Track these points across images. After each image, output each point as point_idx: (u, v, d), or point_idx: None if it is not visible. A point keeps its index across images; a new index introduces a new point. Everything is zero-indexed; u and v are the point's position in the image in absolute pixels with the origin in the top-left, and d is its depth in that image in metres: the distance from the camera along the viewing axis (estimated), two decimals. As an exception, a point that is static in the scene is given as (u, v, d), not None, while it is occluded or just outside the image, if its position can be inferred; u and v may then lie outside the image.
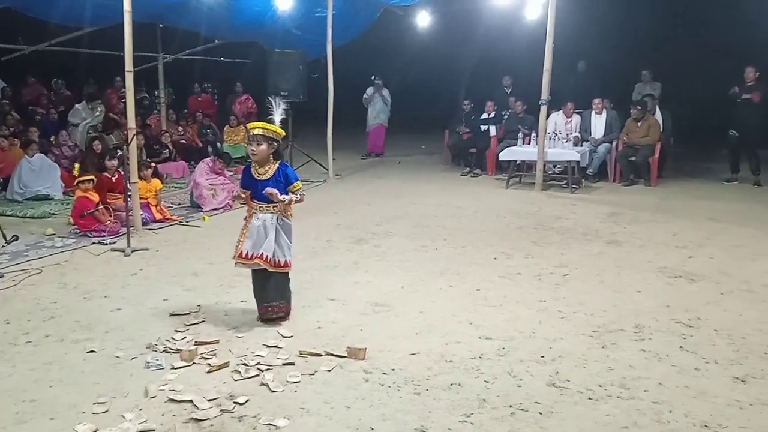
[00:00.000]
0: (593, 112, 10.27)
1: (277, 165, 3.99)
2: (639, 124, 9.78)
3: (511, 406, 3.06)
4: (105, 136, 9.67)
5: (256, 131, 3.93)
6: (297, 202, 4.01)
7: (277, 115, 4.08)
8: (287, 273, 4.07)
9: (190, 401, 3.03)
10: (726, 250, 5.94)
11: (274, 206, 3.94)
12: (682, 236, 6.48)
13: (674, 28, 13.74)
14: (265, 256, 3.92)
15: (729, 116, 9.68)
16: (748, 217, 7.37)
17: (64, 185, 8.40)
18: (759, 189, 9.34)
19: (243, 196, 4.06)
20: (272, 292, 4.03)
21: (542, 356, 3.63)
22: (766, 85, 9.35)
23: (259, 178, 3.97)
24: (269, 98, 4.26)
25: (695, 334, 3.97)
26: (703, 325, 4.12)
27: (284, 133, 4.05)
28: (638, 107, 9.87)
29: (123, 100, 9.85)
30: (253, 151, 3.95)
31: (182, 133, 11.62)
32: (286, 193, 3.95)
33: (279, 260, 3.97)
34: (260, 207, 3.97)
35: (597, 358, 3.62)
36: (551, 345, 3.80)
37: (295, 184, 3.99)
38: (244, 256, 3.97)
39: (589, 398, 3.14)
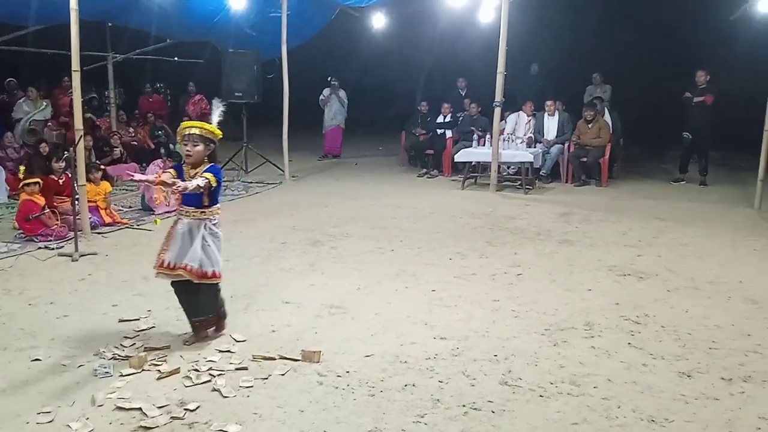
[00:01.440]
0: (546, 114, 10.45)
1: (206, 167, 3.69)
2: (590, 125, 9.99)
3: (464, 406, 3.08)
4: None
5: (192, 131, 3.66)
6: (191, 190, 3.51)
7: (216, 115, 3.87)
8: (216, 284, 3.78)
9: (139, 409, 2.97)
10: (673, 249, 6.12)
11: (201, 212, 3.66)
12: (631, 235, 6.64)
13: (624, 32, 14.08)
14: (189, 267, 3.61)
15: (682, 119, 9.96)
16: (694, 217, 7.60)
17: (9, 188, 8.14)
18: (704, 189, 9.64)
19: (169, 180, 3.51)
20: (200, 305, 3.75)
21: (495, 355, 3.67)
22: (717, 88, 9.65)
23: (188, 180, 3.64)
24: (212, 100, 4.11)
25: (643, 330, 4.08)
26: (651, 321, 4.23)
27: (221, 134, 3.80)
28: (589, 110, 10.08)
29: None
30: (188, 152, 3.67)
31: (133, 134, 11.37)
32: (201, 201, 3.64)
33: (206, 271, 3.66)
34: (186, 212, 3.68)
35: (548, 356, 3.68)
36: (504, 344, 3.84)
37: (207, 173, 3.61)
38: (165, 265, 3.66)
39: (541, 396, 3.19)
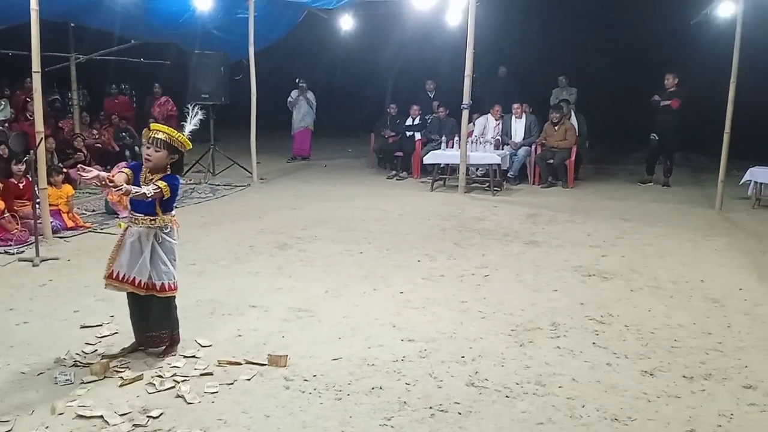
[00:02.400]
0: (513, 117, 10.55)
1: (164, 175, 3.45)
2: (556, 128, 10.12)
3: (431, 408, 3.09)
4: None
5: (159, 135, 3.41)
6: (136, 195, 3.29)
7: (190, 124, 3.64)
8: (170, 298, 3.58)
9: (101, 417, 2.91)
10: (636, 249, 6.23)
11: (151, 220, 3.45)
12: (597, 236, 6.74)
13: (589, 35, 14.29)
14: (137, 281, 3.44)
15: (649, 121, 10.14)
16: (657, 217, 7.75)
17: (-33, 192, 7.91)
18: (668, 190, 9.83)
19: (117, 181, 3.25)
20: (151, 319, 3.56)
21: (462, 357, 3.69)
22: (685, 91, 9.84)
23: (143, 185, 3.41)
24: (188, 105, 3.86)
25: (607, 330, 4.14)
26: (615, 321, 4.29)
27: (191, 146, 3.56)
28: (556, 112, 10.20)
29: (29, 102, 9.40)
30: (147, 156, 3.42)
31: (97, 136, 11.16)
32: (154, 209, 3.44)
33: (156, 284, 3.47)
34: (136, 219, 3.46)
35: (515, 356, 3.71)
36: (471, 345, 3.86)
37: (160, 181, 3.39)
38: (115, 276, 3.48)
39: (507, 396, 3.22)
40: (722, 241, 6.62)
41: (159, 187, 3.36)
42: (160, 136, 3.42)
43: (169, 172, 3.51)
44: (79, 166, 3.42)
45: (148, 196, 3.32)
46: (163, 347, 3.64)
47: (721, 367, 3.61)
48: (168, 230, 3.53)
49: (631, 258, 5.89)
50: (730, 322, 4.33)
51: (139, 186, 3.40)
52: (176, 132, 3.50)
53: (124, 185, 3.26)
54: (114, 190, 3.24)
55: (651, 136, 10.09)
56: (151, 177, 3.46)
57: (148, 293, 3.49)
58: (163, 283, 3.50)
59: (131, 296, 3.58)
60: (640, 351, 3.81)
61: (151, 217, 3.46)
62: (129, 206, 3.51)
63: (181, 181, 3.66)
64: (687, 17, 10.69)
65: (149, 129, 3.52)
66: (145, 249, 3.45)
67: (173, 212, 3.58)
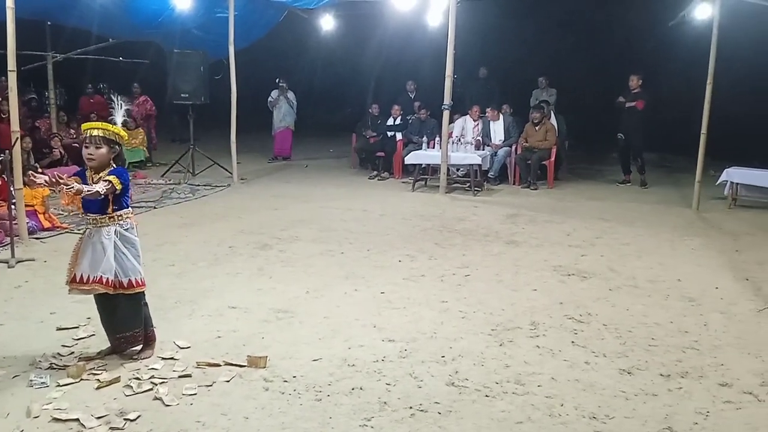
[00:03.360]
0: (490, 119, 10.58)
1: (110, 170, 3.42)
2: (537, 128, 10.18)
3: (411, 408, 3.09)
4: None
5: (95, 132, 3.38)
6: (88, 194, 3.24)
7: (119, 115, 3.63)
8: (138, 294, 3.53)
9: (77, 420, 2.88)
10: (614, 249, 6.29)
11: (109, 218, 3.41)
12: (576, 236, 6.80)
13: (568, 37, 14.42)
14: (104, 279, 3.38)
15: (617, 122, 10.25)
16: (635, 217, 7.83)
17: (-60, 192, 7.77)
18: (645, 190, 9.93)
19: (68, 185, 3.22)
20: (121, 319, 3.51)
21: (443, 356, 3.70)
22: (649, 92, 9.96)
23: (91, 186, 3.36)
24: (111, 97, 3.84)
25: (586, 329, 4.17)
26: (593, 320, 4.33)
27: (126, 136, 3.56)
28: (537, 112, 10.26)
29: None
30: (90, 155, 3.38)
31: (75, 135, 11.02)
32: (105, 206, 3.39)
33: (122, 281, 3.43)
34: (93, 219, 3.42)
35: (495, 355, 3.73)
36: (452, 345, 3.87)
37: (110, 175, 3.35)
38: (78, 280, 3.41)
39: (486, 396, 3.23)
40: (699, 240, 6.71)
41: (109, 182, 3.32)
42: (97, 133, 3.40)
43: (113, 167, 3.45)
44: (29, 172, 3.36)
45: (101, 192, 3.28)
46: (139, 347, 3.60)
47: (697, 365, 3.66)
48: (127, 226, 3.49)
49: (610, 257, 5.95)
50: (707, 320, 4.39)
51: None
52: (110, 125, 3.47)
53: (75, 184, 3.24)
54: (65, 189, 3.19)
55: (618, 135, 10.20)
56: (97, 177, 3.41)
57: (117, 292, 3.44)
58: (130, 279, 3.45)
59: (99, 299, 3.52)
60: (618, 350, 3.84)
61: (108, 215, 3.42)
62: (82, 208, 3.45)
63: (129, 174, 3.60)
64: (665, 19, 10.83)
65: (84, 128, 3.47)
66: (108, 248, 3.40)
67: (129, 208, 3.53)
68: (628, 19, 12.96)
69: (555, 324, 4.24)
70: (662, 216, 7.99)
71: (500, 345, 3.89)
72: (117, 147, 3.47)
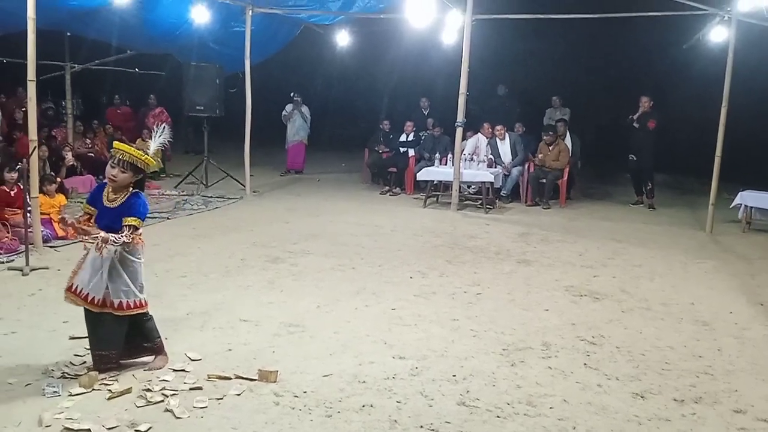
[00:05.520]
0: (497, 138, 10.56)
1: (129, 193, 3.45)
2: (551, 148, 10.18)
3: (422, 427, 3.07)
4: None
5: (124, 157, 3.38)
6: (115, 243, 3.30)
7: (155, 143, 3.59)
8: (125, 317, 3.49)
9: (88, 430, 2.88)
10: (627, 270, 6.25)
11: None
12: (588, 256, 6.76)
13: (582, 57, 14.44)
14: (91, 298, 3.41)
15: (628, 142, 10.23)
16: (647, 239, 7.79)
17: (-43, 199, 7.85)
18: (656, 212, 9.85)
19: (83, 221, 3.43)
20: (101, 337, 3.48)
21: (454, 375, 3.68)
22: (660, 113, 9.93)
23: (107, 205, 3.43)
24: (154, 126, 3.86)
25: (598, 351, 4.14)
26: (606, 342, 4.30)
27: (154, 164, 3.53)
28: (550, 132, 10.26)
29: (23, 109, 9.40)
30: (113, 176, 3.38)
31: (90, 145, 11.14)
32: (120, 225, 3.38)
33: (113, 301, 3.42)
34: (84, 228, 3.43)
35: (506, 376, 3.70)
36: (463, 364, 3.85)
37: (130, 218, 3.38)
38: (73, 290, 3.46)
39: (497, 416, 3.21)
40: (712, 263, 6.66)
41: (132, 227, 3.37)
42: (126, 158, 3.41)
43: (132, 190, 3.48)
44: (63, 216, 3.47)
45: (128, 242, 3.36)
46: (112, 367, 3.53)
47: (711, 390, 3.62)
48: (129, 248, 3.46)
49: (622, 279, 5.91)
50: (720, 345, 4.34)
51: (104, 205, 3.43)
52: (140, 152, 3.47)
53: (101, 234, 3.28)
54: (91, 239, 3.29)
55: (629, 157, 10.17)
56: (115, 196, 3.45)
57: (102, 310, 3.44)
58: (120, 301, 3.45)
59: (86, 312, 3.52)
60: (631, 373, 3.81)
61: (114, 234, 3.37)
62: (96, 223, 3.46)
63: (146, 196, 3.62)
64: (679, 41, 10.83)
65: (115, 148, 3.48)
66: (104, 265, 3.41)
67: (139, 230, 3.48)
68: (641, 40, 12.96)
69: (567, 345, 4.21)
70: (675, 238, 7.94)
71: (512, 365, 3.86)
72: (141, 174, 3.49)
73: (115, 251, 3.42)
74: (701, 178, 10.11)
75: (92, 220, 3.47)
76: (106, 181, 3.50)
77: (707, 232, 8.28)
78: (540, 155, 10.25)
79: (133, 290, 3.48)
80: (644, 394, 3.53)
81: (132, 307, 3.49)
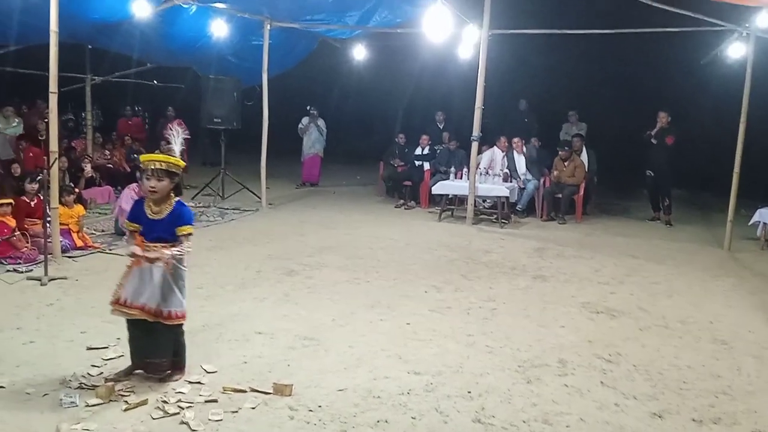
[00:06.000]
0: (514, 151, 10.55)
1: (173, 203, 3.53)
2: (566, 164, 10.15)
3: (437, 444, 3.05)
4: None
5: (156, 165, 3.43)
6: (178, 257, 3.48)
7: (177, 144, 3.67)
8: (176, 326, 3.59)
9: (104, 442, 2.89)
10: (644, 287, 6.19)
11: (162, 246, 3.46)
12: (604, 272, 6.71)
13: (599, 72, 14.40)
14: (147, 307, 3.46)
15: (645, 158, 10.17)
16: (665, 256, 7.72)
17: (-22, 209, 7.96)
18: (673, 228, 9.77)
19: (135, 237, 3.53)
20: (153, 346, 3.54)
21: (469, 391, 3.66)
22: (678, 129, 9.87)
23: (152, 217, 3.49)
24: (169, 129, 3.92)
25: (615, 369, 4.10)
26: (623, 360, 4.26)
27: (184, 165, 3.62)
28: (566, 148, 10.23)
29: (45, 120, 9.52)
30: (152, 188, 3.44)
31: (109, 156, 11.27)
32: (174, 236, 3.50)
33: (163, 311, 3.49)
34: (148, 248, 3.47)
35: (522, 393, 3.68)
36: (478, 380, 3.83)
37: (184, 227, 3.50)
38: (122, 302, 3.48)
39: (514, 434, 3.18)
40: (731, 281, 6.58)
41: (188, 234, 3.52)
42: (159, 165, 3.45)
43: (174, 198, 3.55)
44: (130, 253, 3.49)
45: (189, 250, 3.52)
46: (163, 375, 3.60)
47: (730, 411, 3.57)
48: (180, 258, 3.54)
49: (639, 296, 5.86)
50: (740, 364, 4.29)
51: (149, 218, 3.50)
52: (170, 157, 3.52)
53: (166, 253, 3.41)
54: (167, 260, 3.42)
55: (647, 172, 10.10)
56: (159, 208, 3.51)
57: (156, 320, 3.50)
58: (170, 310, 3.52)
59: (134, 322, 3.55)
60: (649, 392, 3.77)
61: (164, 246, 3.48)
62: (145, 238, 3.51)
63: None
64: (697, 57, 10.78)
65: (145, 160, 3.52)
66: (156, 276, 3.47)
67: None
68: (659, 56, 12.91)
69: (584, 363, 4.17)
70: (693, 255, 7.86)
71: (527, 382, 3.83)
72: (176, 177, 3.54)
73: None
74: (719, 195, 9.99)
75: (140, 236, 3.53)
76: (134, 195, 3.58)
77: (725, 250, 8.19)
78: (555, 171, 10.22)
79: (180, 299, 3.56)
80: (662, 414, 3.48)
81: (180, 316, 3.57)
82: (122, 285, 3.52)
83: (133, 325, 3.57)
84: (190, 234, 3.52)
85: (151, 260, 3.42)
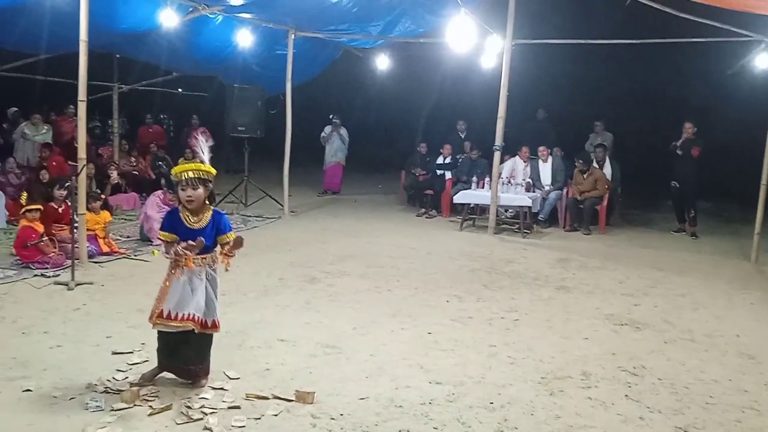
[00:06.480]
0: (540, 160, 10.53)
1: (211, 213, 3.58)
2: (585, 176, 10.05)
3: (459, 454, 3.04)
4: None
5: (190, 174, 3.46)
6: (231, 256, 3.59)
7: (206, 153, 3.66)
8: (211, 335, 3.68)
9: (130, 446, 2.93)
10: (669, 299, 6.11)
11: (202, 258, 3.52)
12: (628, 284, 6.64)
13: (625, 82, 14.31)
14: (196, 318, 3.51)
15: (670, 169, 10.06)
16: (689, 267, 7.61)
17: (8, 214, 8.14)
18: (699, 240, 9.63)
19: (173, 246, 3.52)
20: (193, 353, 3.59)
21: (491, 402, 3.64)
22: (704, 140, 9.75)
23: (191, 227, 3.52)
24: (193, 137, 3.96)
25: (640, 382, 4.05)
26: (648, 373, 4.20)
27: (215, 172, 3.64)
28: (581, 160, 10.12)
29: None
30: (189, 197, 3.47)
31: (135, 164, 11.43)
32: (214, 244, 3.58)
33: (207, 321, 3.57)
34: (191, 260, 3.49)
35: (544, 405, 3.65)
36: (500, 391, 3.81)
37: (227, 234, 3.58)
38: (165, 316, 3.50)
39: (537, 447, 3.16)
40: (758, 294, 6.47)
41: (229, 239, 3.61)
42: (192, 175, 3.49)
43: (210, 207, 3.60)
44: (187, 243, 3.49)
45: (240, 242, 3.61)
46: (197, 380, 3.65)
47: (757, 426, 3.51)
48: (214, 267, 3.62)
49: (664, 308, 5.79)
50: (767, 379, 4.21)
51: (188, 228, 3.54)
52: (201, 165, 3.55)
53: (220, 255, 3.56)
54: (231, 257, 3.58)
55: (672, 183, 9.98)
56: (197, 218, 3.55)
57: (202, 330, 3.58)
58: (213, 319, 3.61)
59: (172, 333, 3.56)
60: (674, 406, 3.72)
61: (203, 257, 3.54)
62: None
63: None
64: (724, 67, 10.66)
65: (177, 171, 3.54)
66: (199, 287, 3.53)
67: (218, 248, 3.66)
68: (685, 66, 12.80)
69: (607, 375, 4.13)
70: (718, 267, 7.74)
71: (550, 394, 3.80)
72: (210, 184, 3.57)
73: (207, 274, 3.57)
74: (746, 207, 9.84)
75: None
76: (159, 202, 3.63)
77: (752, 262, 8.05)
78: (575, 186, 10.10)
79: (217, 308, 3.63)
80: (688, 429, 3.43)
81: (219, 325, 3.65)
82: (162, 299, 3.53)
83: (169, 335, 3.58)
84: (230, 241, 3.58)
85: (198, 263, 3.48)
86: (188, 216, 3.55)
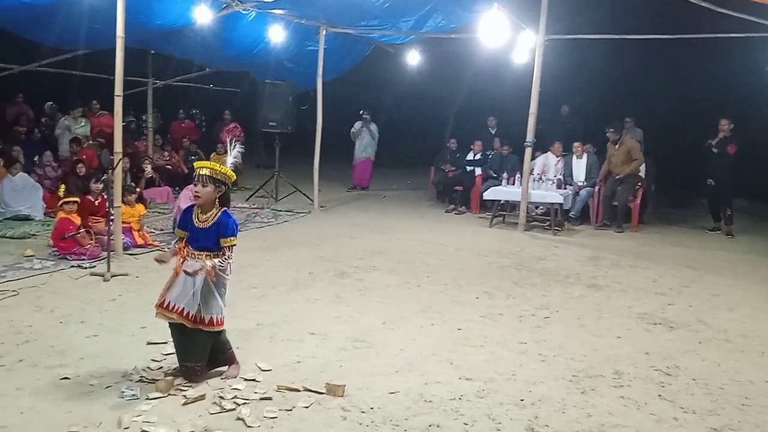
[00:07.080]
0: (574, 156, 10.42)
1: (219, 213, 3.57)
2: (617, 147, 9.89)
3: (489, 450, 3.04)
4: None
5: (202, 171, 3.52)
6: (220, 269, 3.52)
7: (231, 157, 3.74)
8: (214, 333, 3.61)
9: (164, 434, 2.98)
10: (703, 299, 6.00)
11: (207, 255, 3.52)
12: (662, 283, 6.54)
13: (657, 78, 14.07)
14: (185, 312, 3.51)
15: (706, 166, 9.86)
16: (724, 267, 7.47)
17: (45, 206, 8.32)
18: (734, 239, 9.44)
19: (178, 247, 3.63)
20: (190, 350, 3.58)
21: (522, 399, 3.62)
22: (740, 137, 9.53)
23: (198, 226, 3.55)
24: (227, 141, 3.99)
25: (673, 382, 3.99)
26: (682, 373, 4.14)
27: (235, 177, 3.65)
28: (612, 129, 9.92)
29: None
30: (197, 192, 3.52)
31: (168, 158, 11.60)
32: (218, 246, 3.56)
33: (204, 317, 3.54)
34: (193, 255, 3.53)
35: (576, 403, 3.62)
36: (531, 388, 3.79)
37: (228, 238, 3.54)
38: (165, 306, 3.56)
39: (568, 444, 3.14)
40: (796, 295, 6.33)
41: (231, 246, 3.58)
42: (205, 172, 3.53)
43: (220, 208, 3.60)
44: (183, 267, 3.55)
45: (231, 260, 3.59)
46: (198, 379, 3.61)
47: (795, 429, 3.44)
48: (224, 266, 3.58)
49: (699, 308, 5.69)
50: (806, 382, 4.12)
51: (195, 226, 3.56)
52: (219, 165, 3.59)
53: (206, 264, 3.45)
54: (212, 273, 3.47)
55: (707, 181, 9.79)
56: (205, 216, 3.56)
57: (195, 326, 3.54)
58: (211, 317, 3.56)
59: (174, 325, 3.62)
60: (709, 407, 3.66)
61: (207, 254, 3.53)
62: (191, 246, 3.59)
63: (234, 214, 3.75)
64: (761, 63, 10.40)
65: (196, 167, 3.61)
66: (197, 282, 3.51)
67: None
68: (721, 61, 12.52)
69: (640, 375, 4.08)
70: (754, 267, 7.58)
71: (582, 392, 3.77)
72: (223, 187, 3.58)
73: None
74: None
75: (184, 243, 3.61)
76: (191, 196, 3.65)
77: (790, 262, 7.88)
78: (608, 159, 9.91)
79: (221, 307, 3.61)
80: (723, 430, 3.38)
81: (220, 323, 3.61)
82: (168, 289, 3.60)
83: (172, 327, 3.64)
84: (232, 246, 3.56)
85: (189, 274, 3.47)
86: (199, 214, 3.59)
